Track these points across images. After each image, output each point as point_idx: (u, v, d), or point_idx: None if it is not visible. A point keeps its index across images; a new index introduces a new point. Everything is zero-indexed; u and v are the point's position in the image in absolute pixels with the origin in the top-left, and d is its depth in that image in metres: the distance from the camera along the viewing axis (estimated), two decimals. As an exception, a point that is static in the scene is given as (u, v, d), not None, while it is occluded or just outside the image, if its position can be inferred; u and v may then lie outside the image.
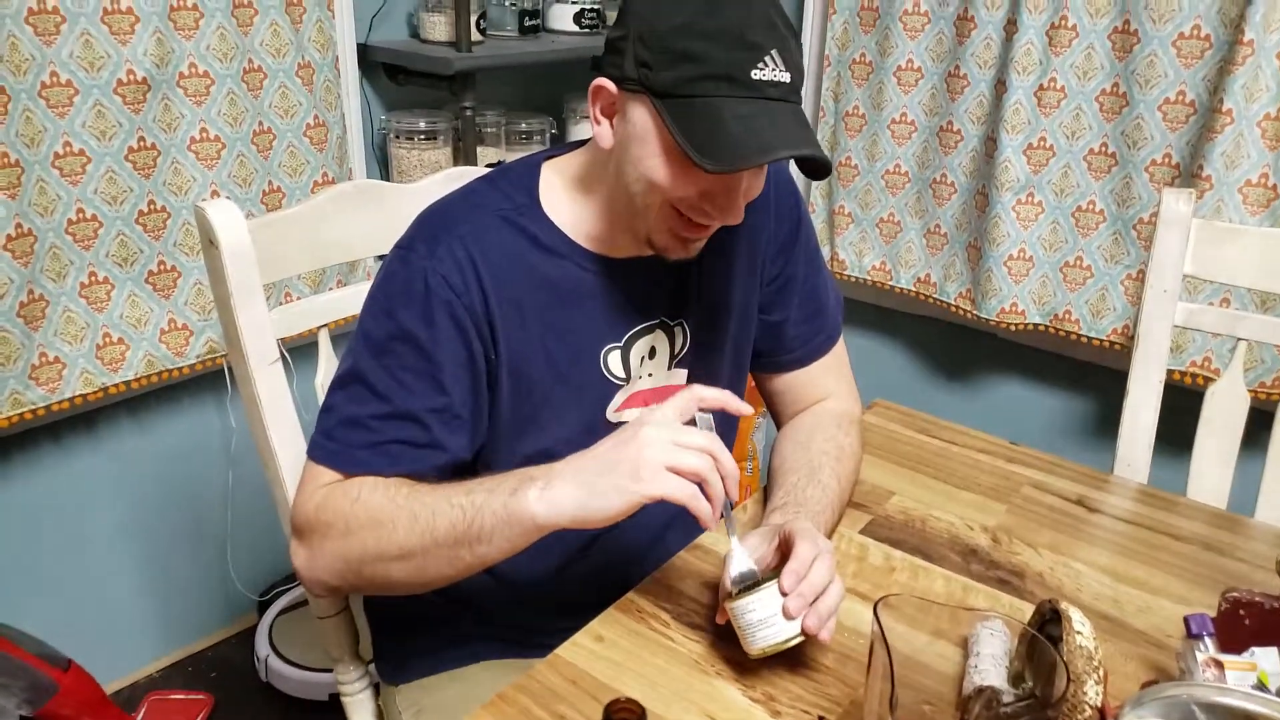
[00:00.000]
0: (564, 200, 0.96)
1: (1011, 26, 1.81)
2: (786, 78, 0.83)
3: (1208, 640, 0.81)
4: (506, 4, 1.99)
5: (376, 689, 1.16)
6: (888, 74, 2.02)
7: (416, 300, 0.89)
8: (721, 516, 0.81)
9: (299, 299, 1.20)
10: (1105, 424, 2.03)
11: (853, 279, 2.20)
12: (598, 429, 0.99)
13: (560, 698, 0.83)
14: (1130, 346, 1.42)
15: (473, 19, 1.83)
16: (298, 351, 1.44)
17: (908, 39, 1.98)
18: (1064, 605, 0.79)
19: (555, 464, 0.82)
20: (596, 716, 0.71)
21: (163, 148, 1.62)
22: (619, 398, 1.01)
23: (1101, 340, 1.89)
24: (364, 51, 1.92)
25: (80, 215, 1.56)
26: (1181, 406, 1.40)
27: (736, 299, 1.06)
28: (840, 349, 1.16)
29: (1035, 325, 1.97)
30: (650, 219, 0.89)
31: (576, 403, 0.99)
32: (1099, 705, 0.73)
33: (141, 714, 1.83)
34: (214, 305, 1.71)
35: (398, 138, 1.93)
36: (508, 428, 0.97)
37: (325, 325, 1.11)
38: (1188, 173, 1.70)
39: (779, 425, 1.18)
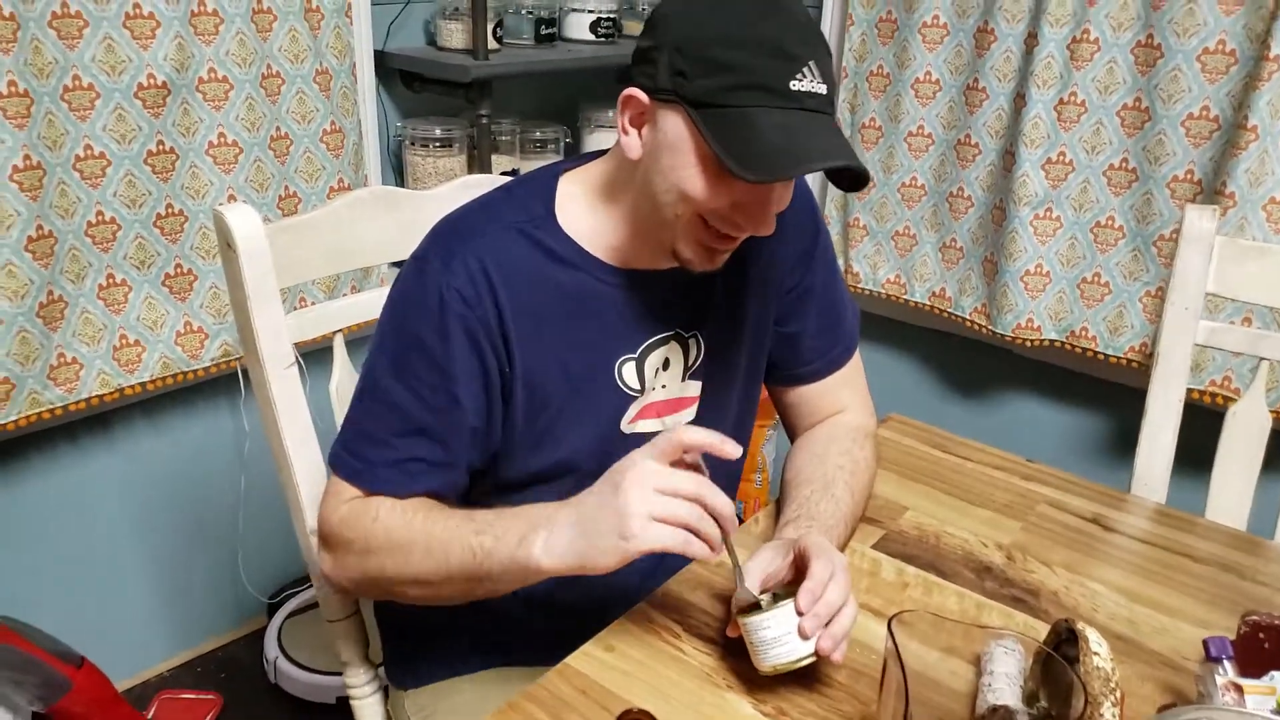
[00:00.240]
0: (582, 211, 0.96)
1: (1032, 39, 1.80)
2: (823, 89, 0.82)
3: (1227, 664, 0.80)
4: (523, 12, 2.00)
5: (385, 693, 1.16)
6: (905, 86, 2.01)
7: (432, 315, 0.90)
8: (722, 549, 0.80)
9: (313, 304, 1.21)
10: (1122, 442, 2.01)
11: (867, 292, 2.19)
12: (613, 441, 0.99)
13: (570, 707, 0.83)
14: (1148, 364, 1.41)
15: (489, 27, 1.84)
16: (311, 356, 1.44)
17: (926, 51, 1.97)
18: (1080, 625, 0.78)
19: (558, 510, 0.82)
20: (606, 729, 0.71)
21: (181, 152, 1.63)
22: (633, 409, 1.00)
23: (1119, 358, 1.88)
24: (381, 58, 1.93)
25: (100, 218, 1.57)
26: (1200, 426, 1.38)
27: (752, 310, 1.05)
28: (856, 362, 1.15)
29: (1051, 341, 1.95)
30: (678, 230, 0.89)
31: (592, 414, 0.98)
32: (1115, 728, 0.72)
33: (152, 712, 1.83)
34: (229, 309, 1.72)
35: (413, 145, 1.94)
36: (523, 440, 0.97)
37: (340, 330, 1.12)
38: (1210, 189, 1.69)
39: (792, 437, 1.17)
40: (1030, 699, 0.76)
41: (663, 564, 1.06)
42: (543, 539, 0.81)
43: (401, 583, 0.91)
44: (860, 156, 2.12)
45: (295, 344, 1.03)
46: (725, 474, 1.13)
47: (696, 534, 0.78)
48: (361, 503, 0.93)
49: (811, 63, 0.82)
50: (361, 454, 0.94)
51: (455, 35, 1.92)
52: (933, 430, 1.34)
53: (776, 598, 0.83)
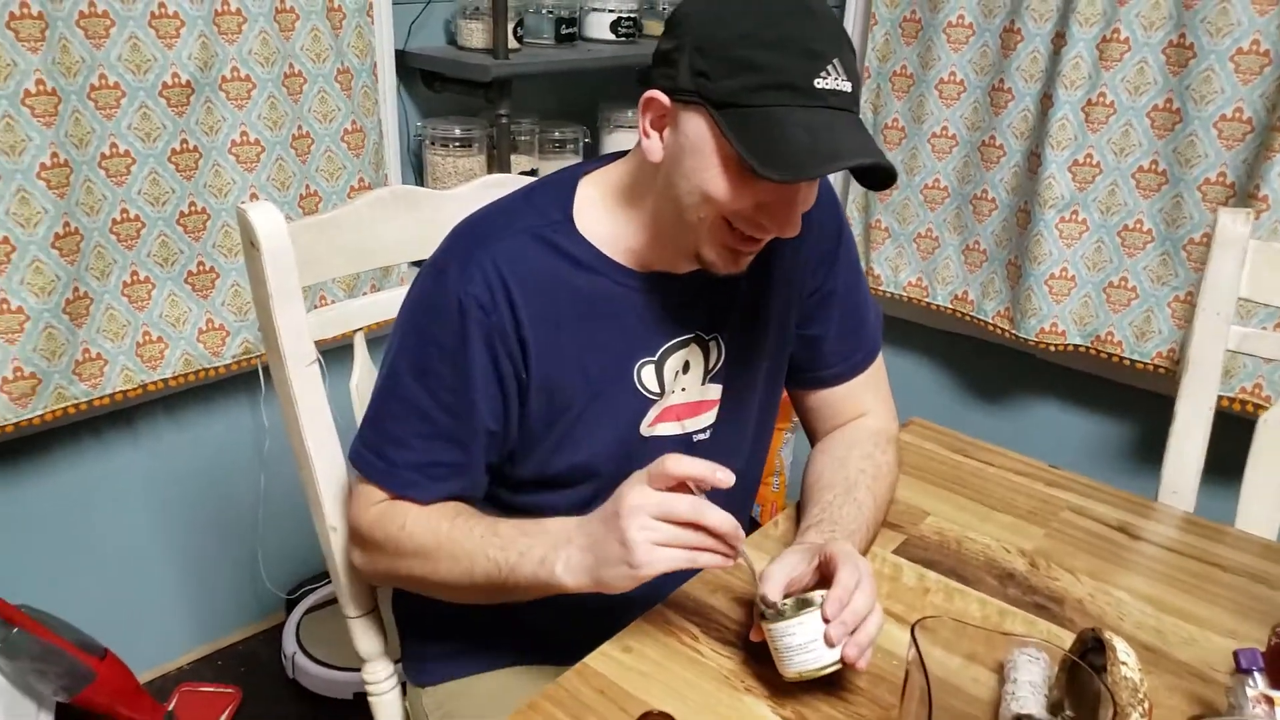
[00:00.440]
0: (602, 214, 0.96)
1: (1060, 39, 1.78)
2: (848, 87, 0.81)
3: (1258, 675, 0.79)
4: (544, 12, 2.00)
5: (403, 689, 1.16)
6: (929, 86, 1.99)
7: (450, 321, 0.90)
8: (738, 555, 0.81)
9: (334, 302, 1.21)
10: (1147, 449, 1.98)
11: (888, 295, 2.17)
12: (632, 444, 0.99)
13: (589, 707, 0.82)
14: (1176, 370, 1.39)
15: (510, 26, 1.84)
16: (331, 354, 1.44)
17: (951, 51, 1.96)
18: (1108, 634, 0.77)
19: (576, 531, 0.84)
20: (624, 732, 0.70)
21: (204, 150, 1.64)
22: (653, 412, 1.00)
23: (1145, 363, 1.85)
24: (402, 58, 1.93)
25: (124, 215, 1.58)
26: (1230, 434, 1.36)
27: (774, 313, 1.04)
28: (879, 365, 1.14)
29: (1075, 346, 1.93)
30: (701, 233, 0.88)
31: (611, 417, 0.98)
32: (1143, 739, 0.71)
33: (172, 704, 1.84)
34: (250, 306, 1.73)
35: (433, 144, 1.94)
36: (543, 443, 0.97)
37: (360, 329, 1.12)
38: (1243, 192, 1.67)
39: (813, 441, 1.16)
40: (1055, 708, 0.75)
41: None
42: (564, 560, 0.83)
43: (429, 586, 0.95)
44: (883, 158, 2.10)
45: (316, 342, 1.03)
46: (743, 480, 1.13)
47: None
48: (389, 507, 0.94)
49: (836, 60, 0.81)
50: (385, 454, 0.94)
51: (476, 35, 1.92)
52: (954, 435, 1.33)
53: (800, 602, 0.82)
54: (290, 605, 2.06)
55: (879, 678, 0.87)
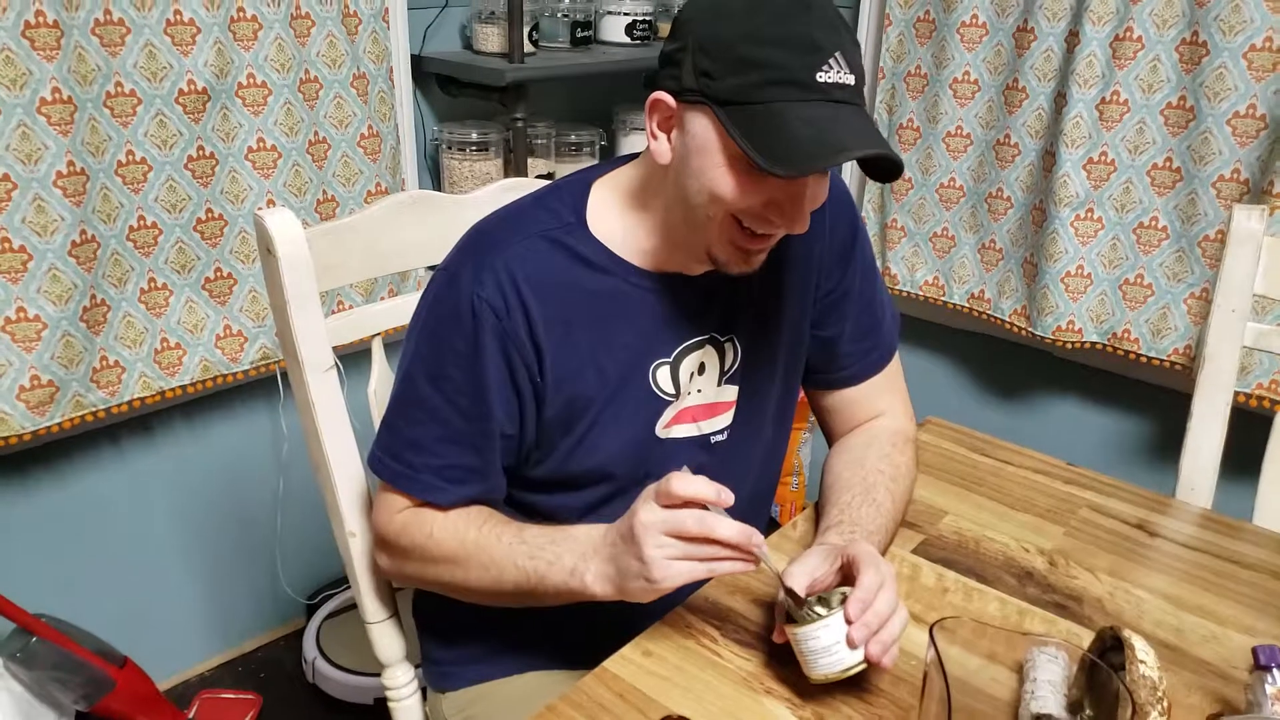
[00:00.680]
0: (615, 217, 0.96)
1: (1073, 38, 1.78)
2: (851, 79, 0.81)
3: (1277, 672, 0.78)
4: (559, 15, 2.00)
5: (424, 695, 1.16)
6: (944, 86, 1.99)
7: (464, 326, 0.90)
8: (759, 560, 0.81)
9: (351, 307, 1.21)
10: (1165, 447, 1.97)
11: (905, 294, 2.17)
12: (648, 445, 0.99)
13: (608, 711, 0.83)
14: (1192, 367, 1.38)
15: (525, 30, 1.84)
16: (349, 359, 1.45)
17: (965, 51, 1.95)
18: (1126, 633, 0.77)
19: (600, 542, 0.85)
20: (644, 734, 0.70)
21: (221, 157, 1.65)
22: (668, 414, 1.00)
23: (1162, 360, 1.84)
24: (418, 62, 1.94)
25: (141, 222, 1.60)
26: (1247, 430, 1.35)
27: (789, 314, 1.04)
28: (895, 365, 1.14)
29: (1092, 344, 1.92)
30: (711, 232, 0.88)
31: (626, 419, 0.98)
32: (1164, 738, 0.71)
33: (193, 712, 1.85)
34: (268, 312, 1.74)
35: (449, 149, 1.95)
36: (559, 445, 0.97)
37: (378, 334, 1.12)
38: (1257, 189, 1.66)
39: (830, 442, 1.16)
40: (1074, 707, 0.75)
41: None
42: (593, 570, 0.84)
43: (457, 591, 0.97)
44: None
45: (334, 347, 1.04)
46: (761, 480, 1.13)
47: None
48: (415, 514, 0.95)
49: (838, 53, 0.81)
50: (404, 458, 0.95)
51: (491, 39, 1.92)
52: (972, 434, 1.33)
53: (822, 601, 0.83)
54: (310, 611, 2.07)
55: (898, 679, 0.87)
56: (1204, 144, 1.70)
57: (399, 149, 1.92)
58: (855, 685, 0.85)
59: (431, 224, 1.10)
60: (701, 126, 0.84)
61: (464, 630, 1.10)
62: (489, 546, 0.91)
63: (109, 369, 1.61)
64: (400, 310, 1.13)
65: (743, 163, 0.82)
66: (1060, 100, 1.82)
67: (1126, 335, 1.88)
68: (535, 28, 1.92)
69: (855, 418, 1.13)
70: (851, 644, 0.79)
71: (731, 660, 0.89)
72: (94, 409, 1.60)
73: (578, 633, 1.03)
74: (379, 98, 1.83)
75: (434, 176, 2.05)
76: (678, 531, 0.79)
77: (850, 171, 2.20)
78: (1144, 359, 1.87)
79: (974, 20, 1.93)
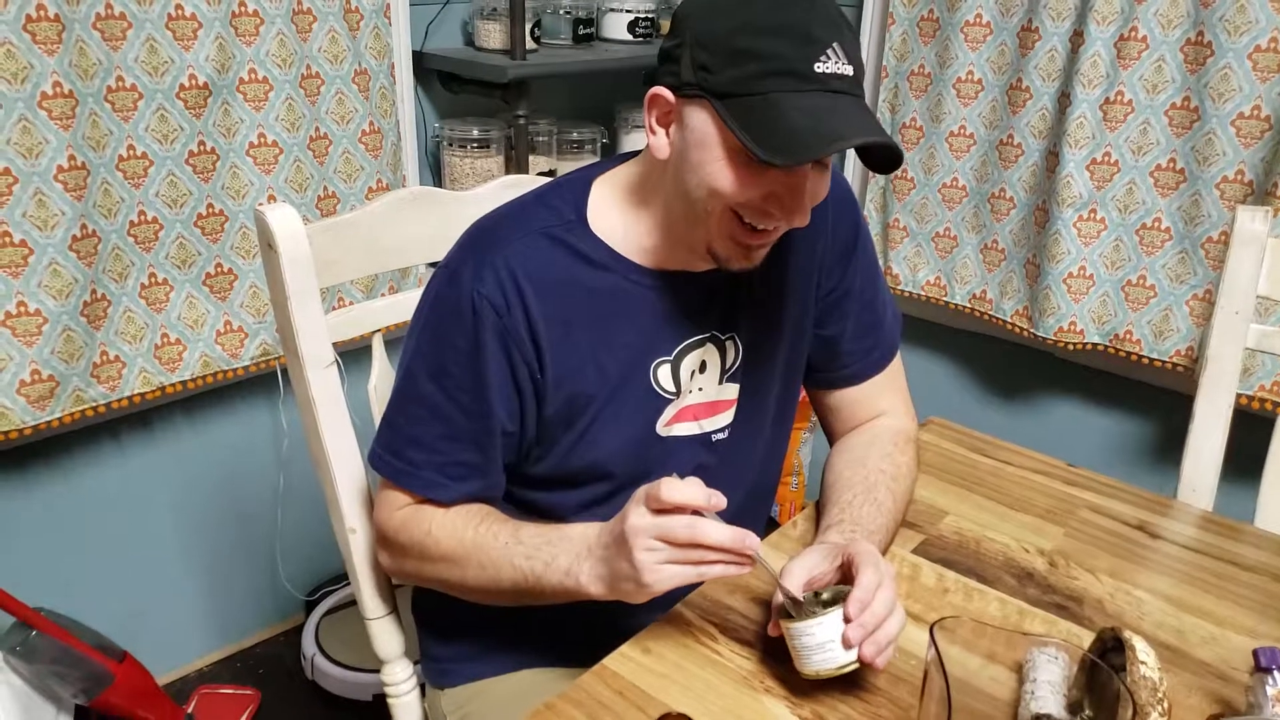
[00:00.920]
0: (615, 214, 0.96)
1: (1078, 38, 1.77)
2: (849, 71, 0.81)
3: (1277, 674, 0.78)
4: (561, 12, 2.00)
5: (422, 691, 1.16)
6: (947, 86, 1.99)
7: (465, 323, 0.90)
8: (753, 561, 0.81)
9: (352, 304, 1.21)
10: (1166, 448, 1.97)
11: (907, 294, 2.17)
12: (648, 443, 0.99)
13: (607, 708, 0.82)
14: (1194, 369, 1.38)
15: (527, 27, 1.84)
16: (349, 355, 1.45)
17: (969, 50, 1.95)
18: (1127, 634, 0.77)
19: (595, 542, 0.85)
20: (642, 732, 0.70)
21: (222, 152, 1.65)
22: (669, 412, 0.99)
23: (1164, 362, 1.84)
24: (419, 59, 1.94)
25: (142, 217, 1.59)
26: (1249, 432, 1.35)
27: (790, 312, 1.04)
28: (897, 365, 1.14)
29: (1094, 345, 1.92)
30: (711, 227, 0.88)
31: (628, 417, 0.98)
32: (1164, 739, 0.71)
33: (192, 707, 1.85)
34: (268, 308, 1.74)
35: (451, 145, 1.95)
36: (559, 442, 0.97)
37: (378, 330, 1.12)
38: (1261, 190, 1.65)
39: (831, 441, 1.16)
40: (1074, 708, 0.75)
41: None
42: (587, 570, 0.84)
43: (455, 589, 0.97)
44: (899, 157, 2.09)
45: (334, 343, 1.04)
46: (762, 479, 1.13)
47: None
48: (415, 511, 0.95)
49: (835, 44, 0.80)
50: (404, 455, 0.95)
51: (493, 35, 1.92)
52: (973, 434, 1.33)
53: (819, 598, 0.82)
54: (309, 607, 2.07)
55: (898, 678, 0.86)
56: (1208, 145, 1.70)
57: (400, 145, 1.92)
58: (854, 684, 0.85)
59: (432, 221, 1.10)
60: (700, 120, 0.84)
61: (463, 627, 1.09)
62: (486, 546, 0.91)
63: (109, 364, 1.61)
64: (401, 307, 1.13)
65: (741, 155, 0.82)
66: (1064, 100, 1.82)
67: (1129, 336, 1.87)
68: (537, 24, 1.92)
69: (857, 417, 1.13)
70: (847, 643, 0.79)
71: (731, 659, 0.89)
72: (94, 404, 1.60)
73: (576, 631, 1.03)
74: (380, 94, 1.82)
75: (435, 173, 2.05)
76: (666, 537, 0.79)
77: (853, 170, 2.20)
78: (1146, 360, 1.86)
79: (978, 19, 1.92)
